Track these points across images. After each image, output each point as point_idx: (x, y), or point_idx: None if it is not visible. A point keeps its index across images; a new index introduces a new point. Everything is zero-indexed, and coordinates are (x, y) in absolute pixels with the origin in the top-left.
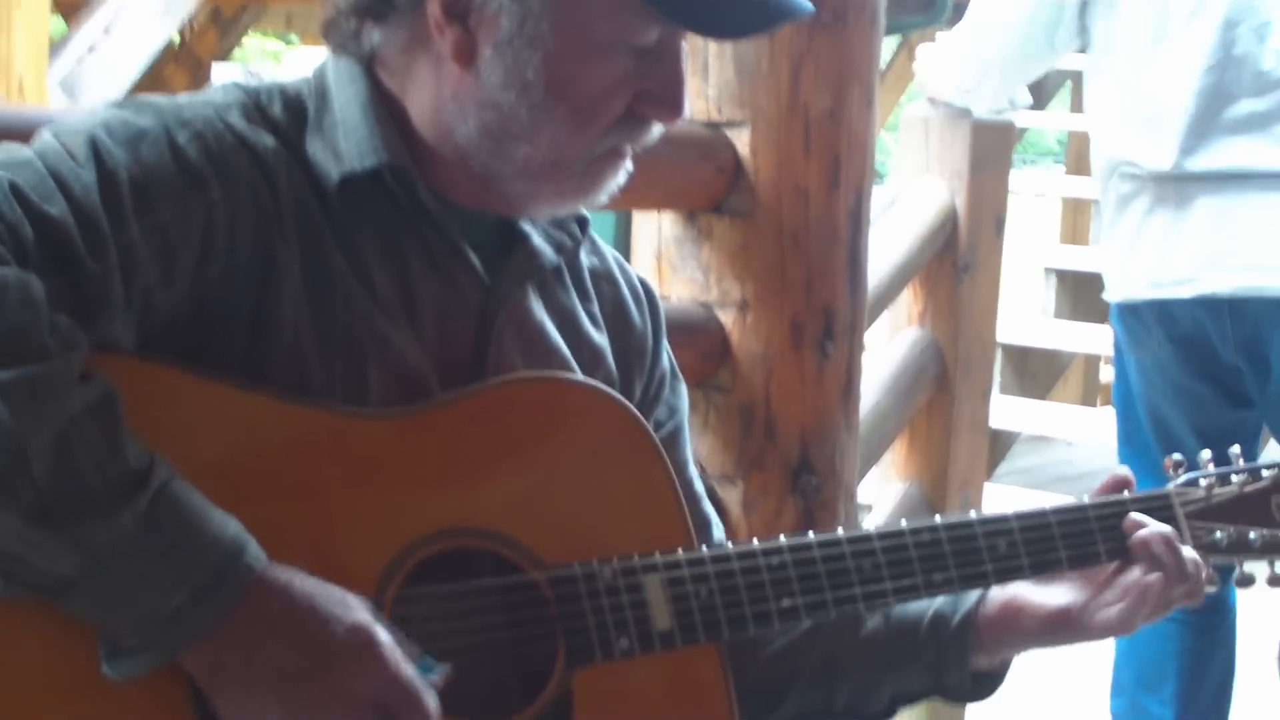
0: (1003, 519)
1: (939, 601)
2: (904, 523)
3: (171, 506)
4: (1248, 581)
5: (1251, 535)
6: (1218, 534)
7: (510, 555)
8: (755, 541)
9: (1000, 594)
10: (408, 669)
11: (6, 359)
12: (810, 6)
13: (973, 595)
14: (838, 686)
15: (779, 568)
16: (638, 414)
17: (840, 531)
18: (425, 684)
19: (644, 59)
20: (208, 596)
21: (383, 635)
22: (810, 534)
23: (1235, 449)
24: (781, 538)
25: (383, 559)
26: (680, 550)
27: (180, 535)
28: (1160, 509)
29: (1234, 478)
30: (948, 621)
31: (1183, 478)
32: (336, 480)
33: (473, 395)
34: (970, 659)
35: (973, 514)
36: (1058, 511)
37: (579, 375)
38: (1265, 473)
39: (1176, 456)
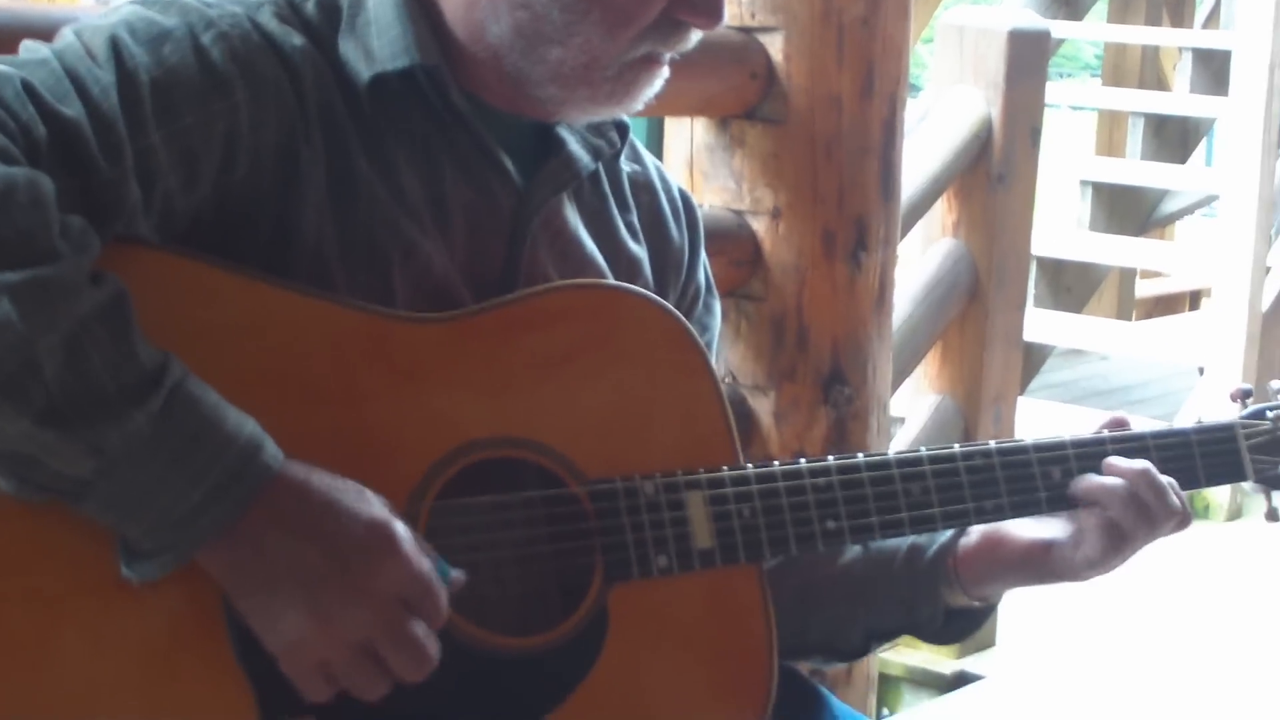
0: (1059, 445)
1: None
2: (956, 446)
3: (185, 406)
4: (1275, 517)
5: None
6: None
7: (552, 467)
8: (803, 461)
9: (983, 525)
10: (425, 562)
11: (15, 261)
12: None
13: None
14: (811, 619)
15: (825, 489)
16: (690, 326)
17: (890, 453)
18: (440, 579)
19: None
20: (223, 496)
21: (400, 529)
22: (860, 455)
23: None
24: (830, 458)
25: (421, 466)
26: (725, 468)
27: (195, 435)
28: (1223, 440)
29: None
30: (923, 553)
31: (1249, 409)
32: (376, 384)
33: (519, 301)
34: (942, 593)
35: (1029, 439)
36: (1116, 440)
37: (631, 285)
38: None
39: (1243, 386)
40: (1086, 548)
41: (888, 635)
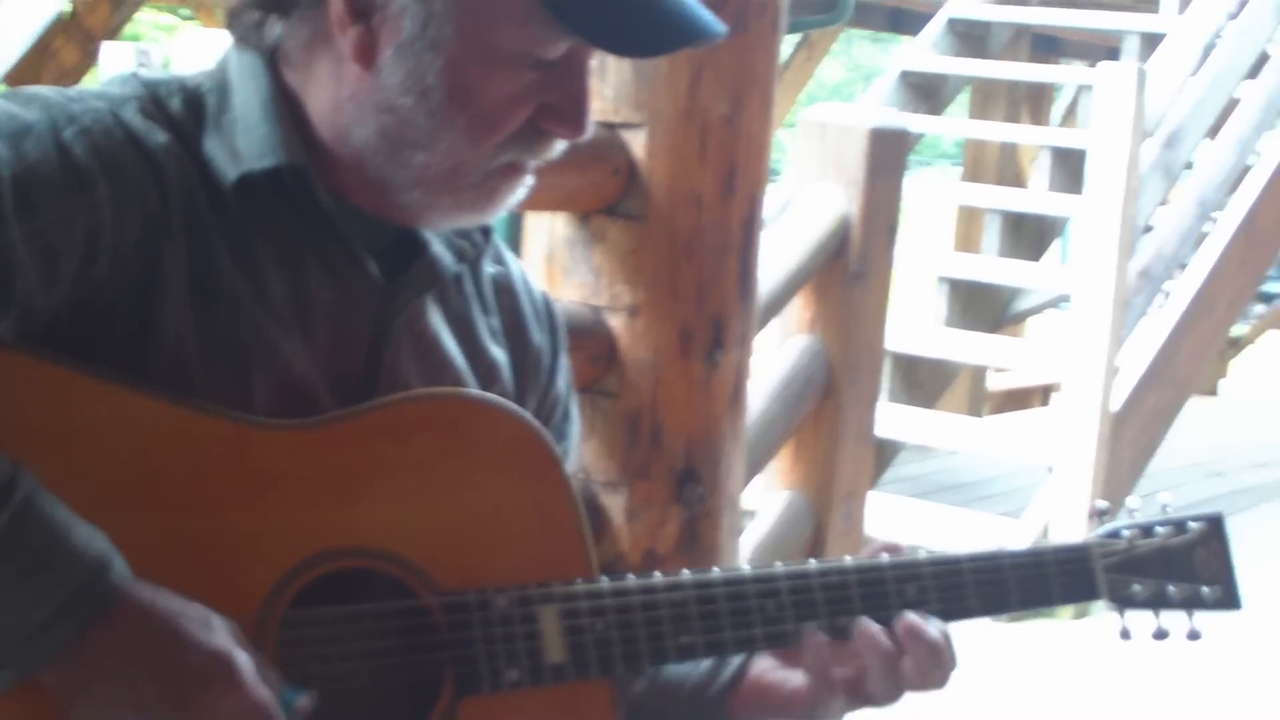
0: (913, 564)
1: (704, 664)
2: (812, 562)
3: (35, 521)
4: (1127, 636)
5: (1170, 589)
6: (1135, 587)
7: (405, 578)
8: (658, 575)
9: (750, 669)
10: (266, 694)
11: None
12: (723, 29)
13: (738, 661)
14: None
15: (680, 604)
16: (548, 438)
17: (746, 568)
18: (284, 710)
19: (549, 72)
20: (69, 614)
21: (242, 660)
22: (715, 569)
23: (1165, 496)
24: (685, 572)
25: (272, 576)
26: (580, 580)
27: (43, 551)
28: (1077, 561)
29: (1158, 530)
30: (705, 689)
31: (1105, 528)
32: (229, 492)
33: (378, 409)
34: None
35: (885, 556)
36: (973, 558)
37: (491, 395)
38: (1191, 525)
39: (1100, 505)
40: (869, 686)
41: None
